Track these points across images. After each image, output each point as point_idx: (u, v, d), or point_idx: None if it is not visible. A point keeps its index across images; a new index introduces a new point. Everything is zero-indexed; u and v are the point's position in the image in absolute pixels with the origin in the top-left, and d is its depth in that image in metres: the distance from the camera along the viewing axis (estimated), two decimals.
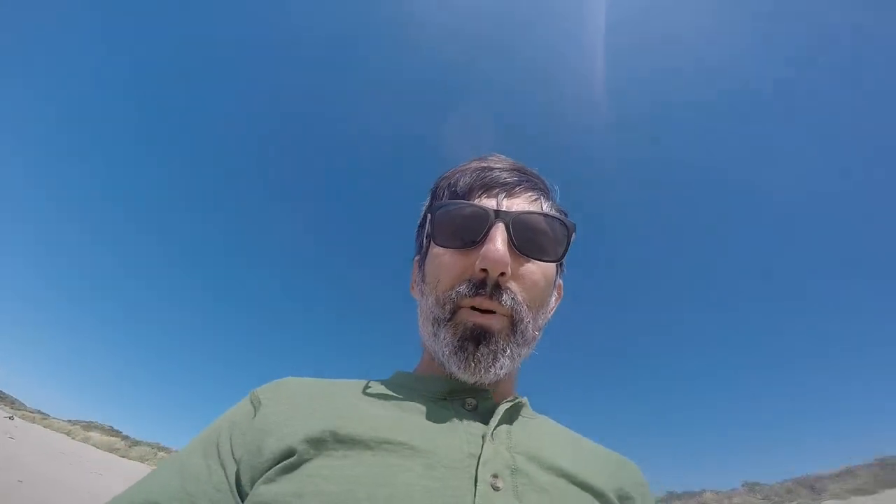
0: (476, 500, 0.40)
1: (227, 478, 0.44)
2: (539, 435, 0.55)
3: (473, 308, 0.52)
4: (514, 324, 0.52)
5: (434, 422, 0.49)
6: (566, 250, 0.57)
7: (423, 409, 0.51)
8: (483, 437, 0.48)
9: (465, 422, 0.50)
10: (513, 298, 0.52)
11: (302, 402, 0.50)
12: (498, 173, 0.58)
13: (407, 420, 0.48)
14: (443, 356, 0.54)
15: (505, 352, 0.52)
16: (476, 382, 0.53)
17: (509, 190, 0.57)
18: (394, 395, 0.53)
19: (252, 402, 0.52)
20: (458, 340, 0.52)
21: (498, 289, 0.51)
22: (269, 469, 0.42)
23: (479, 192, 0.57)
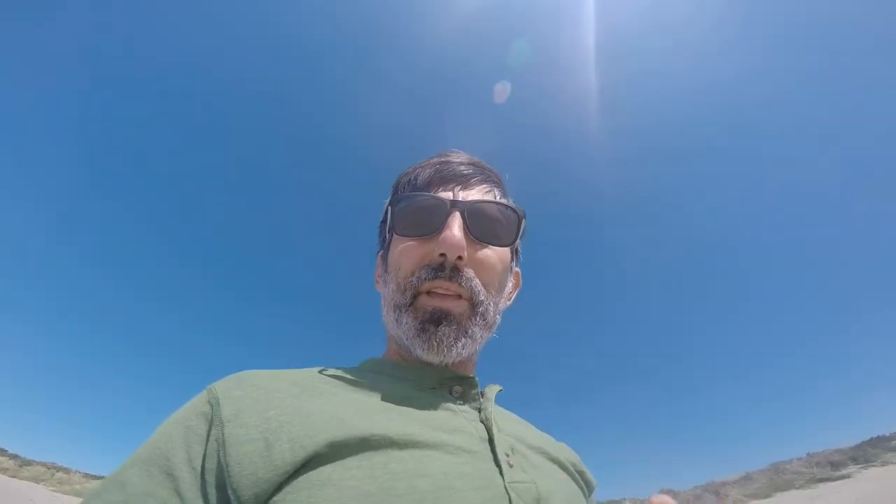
0: (505, 478, 0.44)
1: (180, 494, 0.39)
2: (508, 417, 0.62)
3: (433, 292, 0.55)
4: (473, 306, 0.55)
5: (437, 411, 0.51)
6: (518, 235, 0.60)
7: (422, 398, 0.52)
8: (483, 422, 0.52)
9: (461, 408, 0.53)
10: (470, 281, 0.55)
11: (289, 399, 0.45)
12: (455, 167, 0.62)
13: (414, 412, 0.49)
14: (406, 340, 0.56)
15: (466, 332, 0.54)
16: (440, 362, 0.56)
17: (465, 182, 0.61)
18: (385, 387, 0.53)
19: (209, 402, 0.45)
20: (420, 323, 0.54)
21: (456, 272, 0.54)
22: (287, 478, 0.38)
23: (437, 185, 0.60)
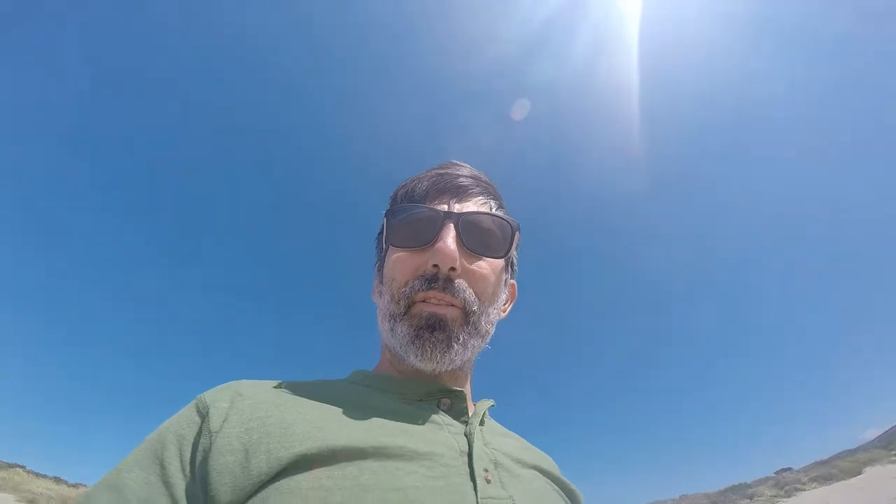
0: (478, 494, 0.44)
1: (176, 501, 0.41)
2: (499, 432, 0.62)
3: (426, 302, 0.55)
4: (466, 315, 0.56)
5: (420, 423, 0.51)
6: (511, 248, 0.61)
7: (406, 411, 0.52)
8: (467, 435, 0.52)
9: (446, 421, 0.54)
10: (463, 292, 0.55)
11: (274, 415, 0.46)
12: (451, 179, 0.62)
13: (395, 424, 0.49)
14: (400, 348, 0.56)
15: (459, 339, 0.55)
16: (433, 370, 0.56)
17: (461, 194, 0.61)
18: (370, 398, 0.54)
19: (199, 411, 0.47)
20: (415, 330, 0.55)
21: (449, 283, 0.55)
22: (260, 487, 0.40)
23: (434, 197, 0.61)
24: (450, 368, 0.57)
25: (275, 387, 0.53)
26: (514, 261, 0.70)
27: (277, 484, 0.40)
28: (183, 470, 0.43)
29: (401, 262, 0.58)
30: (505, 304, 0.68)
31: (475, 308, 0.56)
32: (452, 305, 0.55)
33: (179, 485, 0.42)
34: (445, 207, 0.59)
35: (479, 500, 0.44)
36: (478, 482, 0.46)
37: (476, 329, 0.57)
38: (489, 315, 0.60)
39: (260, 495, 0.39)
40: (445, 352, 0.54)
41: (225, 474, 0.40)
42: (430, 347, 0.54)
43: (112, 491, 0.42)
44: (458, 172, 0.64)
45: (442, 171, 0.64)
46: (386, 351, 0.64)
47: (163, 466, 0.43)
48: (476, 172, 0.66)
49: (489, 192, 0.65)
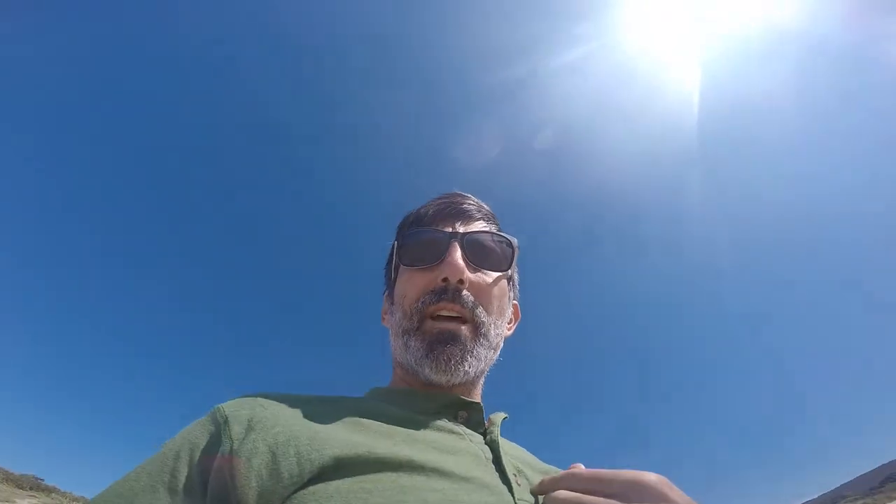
0: (514, 493, 0.46)
1: None
2: (512, 446, 0.63)
3: (438, 316, 0.59)
4: (475, 327, 0.59)
5: (442, 434, 0.52)
6: (511, 263, 0.65)
7: (427, 423, 0.53)
8: (489, 444, 0.54)
9: (466, 432, 0.55)
10: (472, 302, 0.59)
11: (299, 422, 0.46)
12: (456, 206, 0.67)
13: (420, 433, 0.50)
14: (415, 363, 0.59)
15: (472, 351, 0.58)
16: (448, 382, 0.58)
17: (465, 218, 0.66)
18: (390, 411, 0.54)
19: (216, 421, 0.47)
20: (428, 344, 0.57)
21: (458, 294, 0.59)
22: (294, 492, 0.40)
23: (440, 221, 0.66)
24: (464, 380, 0.59)
25: (294, 398, 0.53)
26: (516, 280, 0.75)
27: (315, 487, 0.39)
28: (192, 479, 0.42)
29: (412, 280, 0.63)
30: (510, 324, 0.72)
31: (484, 319, 0.60)
32: (462, 318, 0.59)
33: (187, 493, 0.42)
34: (451, 229, 0.64)
35: (517, 500, 0.46)
36: (512, 485, 0.48)
37: (487, 339, 0.60)
38: (498, 327, 0.63)
39: (295, 498, 0.39)
40: (459, 363, 0.57)
41: (252, 478, 0.40)
42: (444, 359, 0.56)
43: (119, 498, 0.42)
44: (462, 200, 0.69)
45: (447, 199, 0.70)
46: (398, 369, 0.67)
47: (172, 475, 0.43)
48: (478, 201, 0.72)
49: (490, 218, 0.71)
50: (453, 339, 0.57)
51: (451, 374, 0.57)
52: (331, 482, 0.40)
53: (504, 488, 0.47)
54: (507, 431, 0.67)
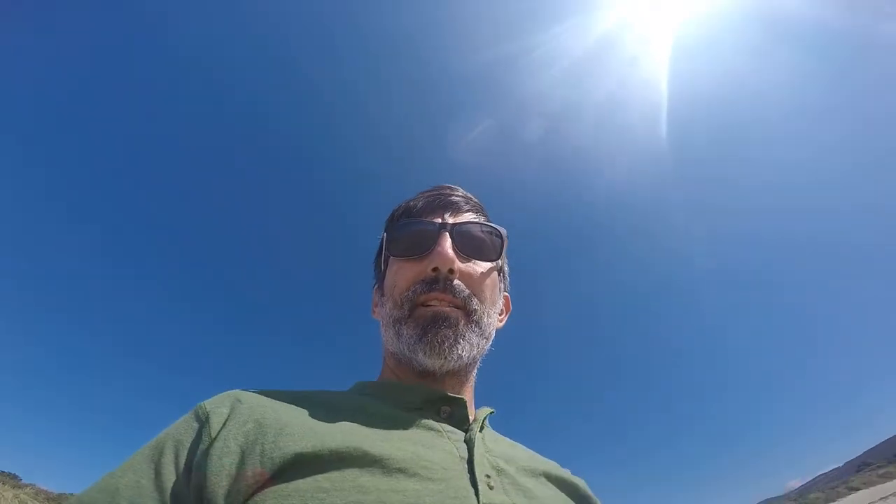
0: (480, 498, 0.44)
1: (167, 501, 0.41)
2: (501, 440, 0.63)
3: (428, 304, 0.59)
4: (468, 313, 0.60)
5: (419, 430, 0.52)
6: (501, 252, 0.67)
7: (405, 418, 0.53)
8: (467, 442, 0.53)
9: (446, 429, 0.54)
10: (462, 291, 0.60)
11: (271, 417, 0.46)
12: (445, 198, 0.68)
13: (394, 431, 0.50)
14: (408, 349, 0.58)
15: (464, 336, 0.58)
16: (441, 367, 0.58)
17: (454, 210, 0.67)
18: (369, 406, 0.54)
19: (199, 418, 0.48)
20: (421, 328, 0.57)
21: (449, 283, 0.59)
22: (256, 490, 0.40)
23: (429, 212, 0.67)
24: (458, 365, 0.59)
25: (274, 394, 0.53)
26: (506, 272, 0.75)
27: (275, 487, 0.40)
28: (177, 475, 0.43)
29: (402, 271, 0.63)
30: (501, 315, 0.73)
31: (476, 307, 0.60)
32: (454, 305, 0.59)
33: (171, 489, 0.42)
34: (440, 220, 0.65)
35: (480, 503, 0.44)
36: (479, 487, 0.46)
37: (479, 327, 0.61)
38: (490, 316, 0.64)
39: (257, 497, 0.39)
40: (453, 345, 0.57)
41: (222, 476, 0.40)
42: (437, 342, 0.56)
43: (103, 493, 0.42)
44: (450, 192, 0.70)
45: (436, 192, 0.71)
46: (389, 359, 0.67)
47: (157, 471, 0.43)
48: (467, 193, 0.73)
49: (479, 209, 0.72)
50: (446, 321, 0.57)
51: (445, 358, 0.57)
52: (290, 481, 0.40)
53: (471, 491, 0.45)
54: (502, 426, 0.67)
